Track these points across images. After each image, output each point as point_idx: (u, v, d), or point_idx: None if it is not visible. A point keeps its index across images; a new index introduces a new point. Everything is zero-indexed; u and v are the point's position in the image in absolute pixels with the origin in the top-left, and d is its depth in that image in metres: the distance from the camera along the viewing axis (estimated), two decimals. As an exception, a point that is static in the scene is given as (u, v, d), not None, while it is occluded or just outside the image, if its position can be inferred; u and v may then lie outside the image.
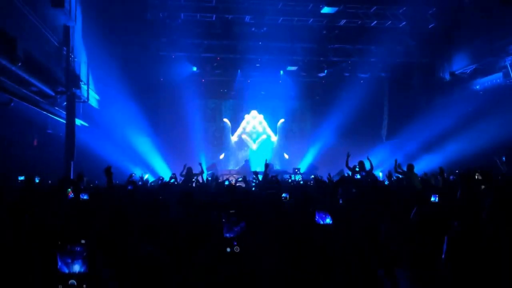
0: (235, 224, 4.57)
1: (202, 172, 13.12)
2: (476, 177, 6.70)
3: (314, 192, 8.69)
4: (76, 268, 3.57)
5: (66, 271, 3.59)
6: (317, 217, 4.39)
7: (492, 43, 14.57)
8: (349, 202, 6.37)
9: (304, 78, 20.73)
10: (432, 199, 6.50)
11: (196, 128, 22.25)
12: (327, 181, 11.14)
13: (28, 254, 4.01)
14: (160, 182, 13.02)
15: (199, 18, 16.41)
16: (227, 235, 4.52)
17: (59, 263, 3.61)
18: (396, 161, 11.74)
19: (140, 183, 11.97)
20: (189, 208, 5.44)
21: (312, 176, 15.91)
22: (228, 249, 4.40)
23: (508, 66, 13.99)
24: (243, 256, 4.26)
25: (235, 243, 4.36)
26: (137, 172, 14.80)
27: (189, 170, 13.06)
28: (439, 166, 9.48)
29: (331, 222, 4.35)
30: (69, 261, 3.57)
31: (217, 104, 22.92)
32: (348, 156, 12.24)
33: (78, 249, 3.63)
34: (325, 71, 18.96)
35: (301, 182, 15.39)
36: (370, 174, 11.74)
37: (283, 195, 7.89)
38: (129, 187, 8.22)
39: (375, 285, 4.21)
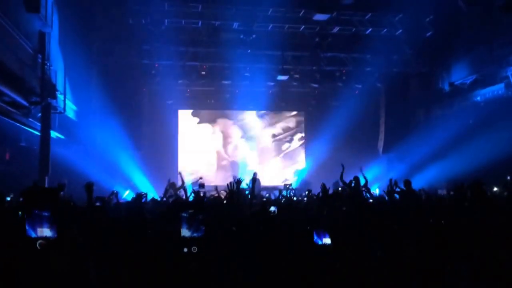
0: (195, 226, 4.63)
1: (182, 185, 12.85)
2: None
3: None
4: (45, 232, 3.89)
5: (34, 235, 3.89)
6: (315, 237, 4.21)
7: (492, 52, 14.70)
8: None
9: (296, 88, 20.76)
10: None
11: (181, 141, 22.13)
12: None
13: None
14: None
15: (184, 24, 16.40)
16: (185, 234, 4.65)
17: (27, 228, 3.89)
18: (391, 180, 11.61)
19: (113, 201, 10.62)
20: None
21: (306, 192, 15.80)
22: (185, 249, 4.49)
23: (510, 76, 14.05)
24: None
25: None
26: (119, 189, 14.54)
27: (173, 185, 12.84)
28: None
29: (330, 242, 4.18)
30: (37, 226, 3.89)
31: (203, 115, 22.84)
32: (343, 168, 12.18)
33: (45, 214, 3.81)
34: (318, 81, 19.00)
35: (294, 198, 15.27)
36: (367, 188, 11.67)
37: (271, 208, 7.79)
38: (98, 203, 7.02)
39: None
